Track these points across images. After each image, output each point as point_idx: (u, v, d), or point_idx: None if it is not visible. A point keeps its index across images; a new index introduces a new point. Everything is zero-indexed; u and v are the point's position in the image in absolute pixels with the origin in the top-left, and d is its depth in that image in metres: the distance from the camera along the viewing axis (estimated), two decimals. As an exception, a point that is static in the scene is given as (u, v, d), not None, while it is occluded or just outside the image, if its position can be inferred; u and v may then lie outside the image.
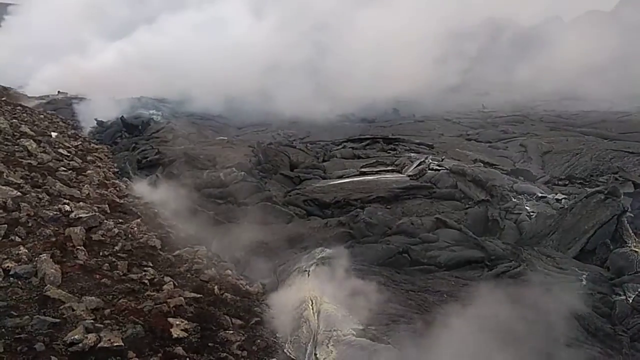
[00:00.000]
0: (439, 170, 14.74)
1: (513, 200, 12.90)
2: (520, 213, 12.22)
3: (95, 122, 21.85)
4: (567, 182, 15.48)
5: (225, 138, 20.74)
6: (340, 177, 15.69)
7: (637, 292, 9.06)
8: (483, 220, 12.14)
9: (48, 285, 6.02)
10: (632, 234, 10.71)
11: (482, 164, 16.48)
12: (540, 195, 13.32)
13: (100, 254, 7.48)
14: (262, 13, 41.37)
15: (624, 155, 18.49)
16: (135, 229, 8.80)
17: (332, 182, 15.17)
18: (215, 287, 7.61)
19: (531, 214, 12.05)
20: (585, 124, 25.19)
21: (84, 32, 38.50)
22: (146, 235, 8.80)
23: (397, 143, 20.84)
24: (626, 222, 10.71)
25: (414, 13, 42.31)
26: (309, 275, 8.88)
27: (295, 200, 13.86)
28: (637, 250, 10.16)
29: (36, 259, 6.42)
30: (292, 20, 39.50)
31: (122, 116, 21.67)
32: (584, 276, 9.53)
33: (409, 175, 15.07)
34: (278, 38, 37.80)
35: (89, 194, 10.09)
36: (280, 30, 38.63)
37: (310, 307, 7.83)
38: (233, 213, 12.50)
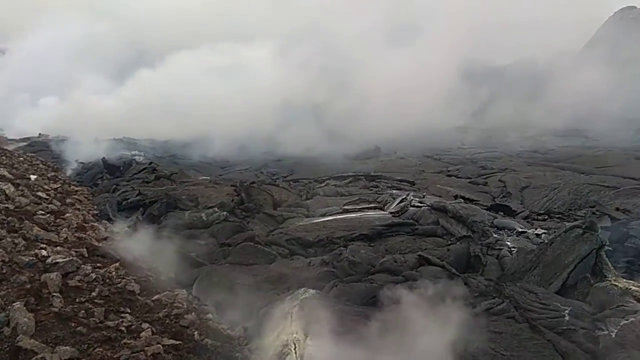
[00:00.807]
0: (420, 206, 14.90)
1: (494, 235, 13.05)
2: (502, 249, 12.33)
3: (76, 163, 21.70)
4: (546, 217, 15.76)
5: (208, 178, 20.74)
6: (324, 215, 15.73)
7: (619, 327, 9.11)
8: (465, 257, 12.21)
9: (20, 335, 5.80)
10: (612, 267, 10.85)
11: (462, 200, 16.72)
12: (520, 230, 13.51)
13: (77, 300, 7.28)
14: (272, 52, 42.61)
15: (600, 189, 18.97)
16: (114, 273, 8.61)
17: (315, 221, 15.17)
18: (195, 332, 7.42)
19: (512, 249, 12.18)
20: (562, 158, 25.95)
21: (76, 73, 38.74)
22: (125, 280, 8.60)
23: (379, 180, 21.10)
24: (605, 256, 10.86)
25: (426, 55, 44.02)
26: (291, 317, 8.73)
27: (278, 239, 13.77)
28: (617, 284, 10.26)
29: (9, 307, 6.21)
30: (302, 60, 40.69)
31: (104, 157, 21.58)
32: (567, 311, 9.56)
33: (391, 212, 15.18)
34: (289, 78, 38.74)
35: (67, 237, 9.90)
36: (290, 69, 39.64)
37: (293, 350, 7.67)
38: (215, 254, 12.35)
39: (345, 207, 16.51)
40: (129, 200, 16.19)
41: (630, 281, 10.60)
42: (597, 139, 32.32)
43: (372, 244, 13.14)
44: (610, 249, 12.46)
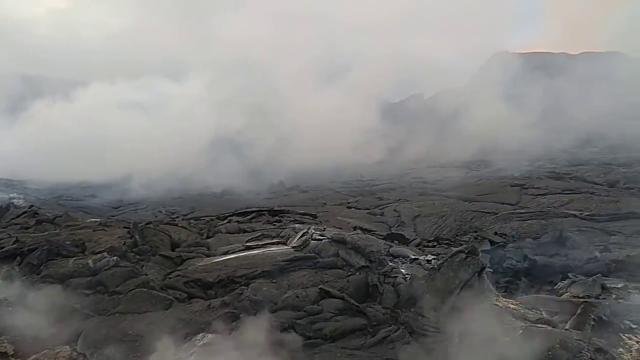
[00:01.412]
0: (321, 239, 15.16)
1: (390, 264, 13.64)
2: (397, 276, 12.91)
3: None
4: (435, 243, 16.93)
5: (98, 220, 19.27)
6: (225, 254, 15.32)
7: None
8: (364, 287, 12.58)
9: None
10: (493, 288, 11.90)
11: (361, 231, 17.38)
12: (413, 257, 14.30)
13: None
14: (197, 89, 41.58)
15: (482, 215, 20.92)
16: (-22, 336, 7.56)
17: (216, 260, 14.72)
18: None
19: (406, 276, 12.81)
20: (449, 188, 28.21)
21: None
22: (-7, 342, 7.59)
23: (282, 215, 21.21)
24: (486, 278, 11.89)
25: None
26: (188, 366, 8.30)
27: (175, 282, 13.10)
28: (497, 303, 11.26)
29: None
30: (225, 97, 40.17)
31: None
32: (456, 333, 10.23)
33: (293, 247, 15.25)
34: (212, 114, 37.93)
35: None
36: (213, 106, 38.87)
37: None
38: (103, 304, 11.37)
39: (248, 243, 16.29)
40: (3, 249, 14.46)
41: (509, 300, 11.71)
42: (499, 168, 35.34)
43: (275, 280, 13.03)
44: (491, 270, 13.70)
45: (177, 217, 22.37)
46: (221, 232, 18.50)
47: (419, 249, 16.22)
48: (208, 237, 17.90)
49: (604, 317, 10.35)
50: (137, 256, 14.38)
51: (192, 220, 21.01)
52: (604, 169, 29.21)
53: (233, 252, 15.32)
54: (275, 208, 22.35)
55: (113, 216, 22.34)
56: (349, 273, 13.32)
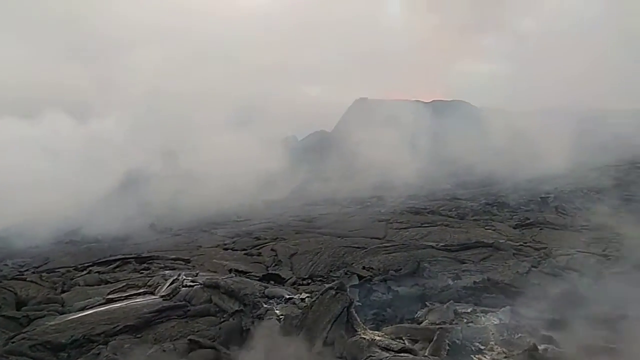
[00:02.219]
0: (193, 286, 14.56)
1: (264, 306, 13.58)
2: (271, 318, 12.89)
3: None
4: (309, 281, 17.30)
5: None
6: (82, 309, 13.84)
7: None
8: (238, 332, 12.33)
9: None
10: (360, 322, 12.45)
11: (236, 274, 17.07)
12: (287, 297, 14.42)
13: None
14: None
15: (353, 250, 21.96)
16: None
17: (71, 317, 13.19)
18: None
19: (280, 317, 12.85)
20: (323, 225, 29.23)
21: None
22: None
23: (151, 261, 19.91)
24: (354, 312, 12.41)
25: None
26: None
27: (19, 347, 11.42)
28: (365, 336, 11.78)
29: None
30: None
31: None
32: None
33: (161, 296, 14.36)
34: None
35: None
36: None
37: None
38: None
39: (110, 296, 14.93)
40: None
41: (376, 332, 12.34)
42: (368, 205, 37.35)
43: (140, 335, 12.08)
44: (359, 304, 14.37)
45: (25, 271, 19.67)
46: (79, 285, 16.72)
47: (295, 287, 16.40)
48: (63, 292, 16.05)
49: (457, 341, 11.43)
50: (-32, 321, 12.28)
51: (44, 273, 18.63)
52: (455, 203, 32.93)
53: (92, 307, 13.91)
54: (144, 254, 20.92)
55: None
56: (222, 319, 12.96)
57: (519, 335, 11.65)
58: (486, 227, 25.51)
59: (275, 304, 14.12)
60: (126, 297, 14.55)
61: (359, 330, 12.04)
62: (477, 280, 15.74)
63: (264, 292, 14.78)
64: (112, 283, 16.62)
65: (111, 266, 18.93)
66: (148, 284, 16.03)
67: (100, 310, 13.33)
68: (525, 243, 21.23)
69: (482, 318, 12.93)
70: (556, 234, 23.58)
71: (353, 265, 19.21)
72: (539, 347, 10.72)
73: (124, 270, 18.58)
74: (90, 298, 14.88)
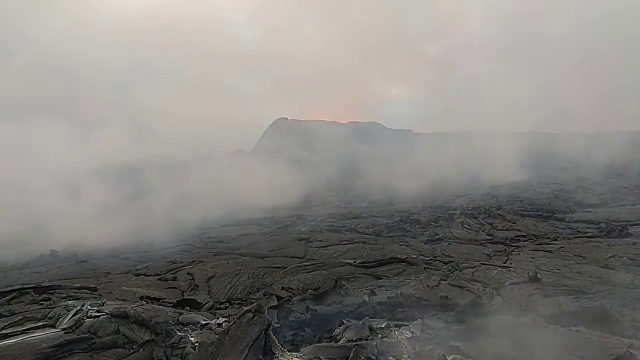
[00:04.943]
0: (99, 316, 13.55)
1: (178, 334, 13.01)
2: (186, 346, 12.37)
3: None
4: (228, 305, 16.87)
5: None
6: (-33, 350, 12.29)
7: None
8: (149, 364, 11.65)
9: None
10: (279, 344, 12.36)
11: (148, 301, 16.19)
12: (204, 323, 13.94)
13: None
14: None
15: (274, 270, 21.83)
16: None
17: (-48, 361, 11.68)
18: None
19: (196, 345, 12.38)
20: (243, 246, 28.81)
21: None
22: None
23: (53, 291, 18.23)
24: (272, 334, 12.31)
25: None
26: None
27: None
28: (283, 359, 11.73)
29: None
30: None
31: None
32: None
33: (63, 329, 13.20)
34: None
35: None
36: None
37: None
38: None
39: (4, 331, 13.43)
40: None
41: (294, 353, 12.31)
42: (287, 225, 37.26)
43: (37, 374, 10.99)
44: (278, 325, 14.29)
45: None
46: (-36, 323, 14.81)
47: (212, 312, 15.90)
48: (-58, 332, 14.10)
49: (372, 357, 11.74)
50: None
51: None
52: (371, 220, 34.12)
53: (-20, 347, 12.40)
54: (45, 284, 19.09)
55: None
56: (132, 351, 12.20)
57: (430, 347, 12.24)
58: (400, 244, 26.70)
59: (190, 331, 13.59)
60: (23, 332, 13.17)
61: (277, 353, 11.95)
62: (392, 296, 16.33)
63: (178, 320, 14.17)
64: (7, 317, 14.95)
65: (6, 298, 17.02)
66: (49, 316, 14.66)
67: (-10, 350, 11.95)
68: (436, 257, 22.48)
69: (396, 332, 13.41)
70: (463, 247, 25.31)
71: (273, 286, 19.05)
72: (447, 357, 11.36)
73: (22, 302, 16.79)
74: (-22, 336, 13.25)
